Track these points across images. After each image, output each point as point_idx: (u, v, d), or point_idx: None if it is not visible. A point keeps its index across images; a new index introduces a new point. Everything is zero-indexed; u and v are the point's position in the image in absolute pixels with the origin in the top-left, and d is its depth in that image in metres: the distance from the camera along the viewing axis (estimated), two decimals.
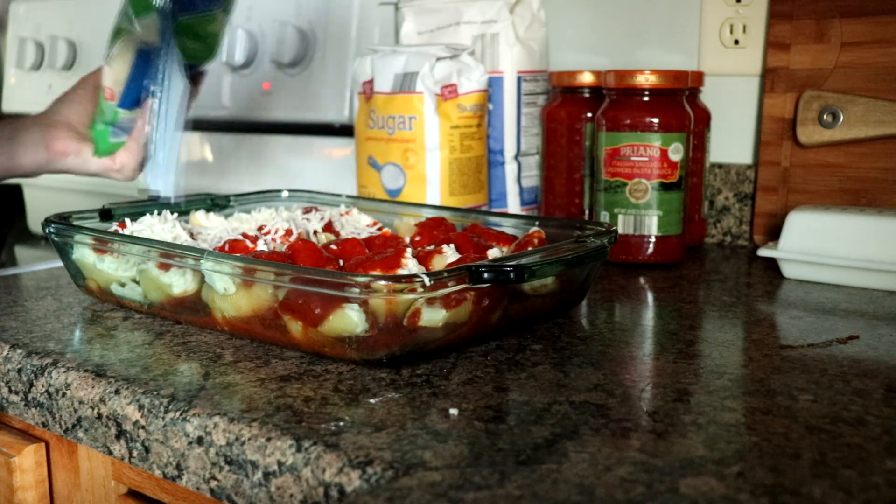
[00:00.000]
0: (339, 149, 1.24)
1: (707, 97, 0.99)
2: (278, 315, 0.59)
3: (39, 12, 1.63)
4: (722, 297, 0.76)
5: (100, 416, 0.55)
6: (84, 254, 0.71)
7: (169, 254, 0.64)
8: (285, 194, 0.90)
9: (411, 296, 0.54)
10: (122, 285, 0.69)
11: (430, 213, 0.79)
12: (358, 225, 0.79)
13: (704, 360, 0.59)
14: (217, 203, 0.86)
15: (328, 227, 0.77)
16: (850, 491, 0.40)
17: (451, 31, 1.01)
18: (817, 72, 0.92)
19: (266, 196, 0.90)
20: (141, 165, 0.86)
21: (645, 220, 0.86)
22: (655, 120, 0.85)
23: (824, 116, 0.90)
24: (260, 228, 0.74)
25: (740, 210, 0.99)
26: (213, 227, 0.77)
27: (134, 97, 0.84)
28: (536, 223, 0.74)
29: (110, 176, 0.87)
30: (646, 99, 0.86)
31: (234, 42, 1.26)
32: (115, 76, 0.83)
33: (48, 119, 0.87)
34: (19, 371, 0.60)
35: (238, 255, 0.64)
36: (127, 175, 0.87)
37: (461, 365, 0.57)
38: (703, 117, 0.94)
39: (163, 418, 0.51)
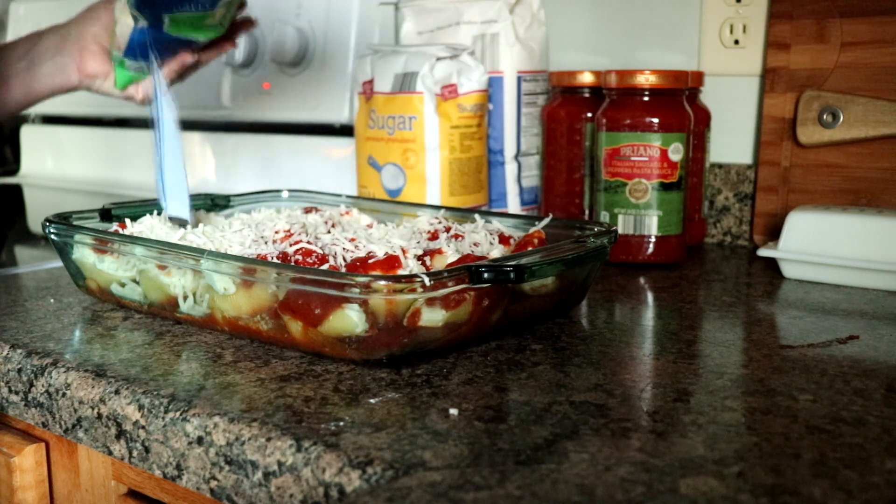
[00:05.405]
0: (339, 149, 1.24)
1: (707, 97, 0.99)
2: (278, 315, 0.59)
3: (39, 12, 1.63)
4: (722, 297, 0.76)
5: (100, 416, 0.55)
6: (84, 254, 0.71)
7: (169, 254, 0.64)
8: (285, 194, 0.90)
9: (411, 296, 0.54)
10: (122, 285, 0.69)
11: (429, 213, 0.79)
12: (358, 225, 0.79)
13: (704, 360, 0.59)
14: (217, 203, 0.86)
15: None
16: (850, 491, 0.40)
17: (451, 31, 1.01)
18: (817, 72, 0.92)
19: (266, 196, 0.90)
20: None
21: (645, 220, 0.86)
22: (655, 120, 0.85)
23: (824, 116, 0.90)
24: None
25: (740, 210, 0.99)
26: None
27: (136, 54, 0.84)
28: (536, 223, 0.73)
29: (129, 98, 0.90)
30: (646, 99, 0.86)
31: None
32: (121, 28, 0.83)
33: (75, 39, 0.86)
34: (19, 371, 0.60)
35: (238, 255, 0.64)
36: (144, 98, 0.89)
37: (461, 365, 0.57)
38: (703, 117, 0.94)
39: (163, 418, 0.51)
